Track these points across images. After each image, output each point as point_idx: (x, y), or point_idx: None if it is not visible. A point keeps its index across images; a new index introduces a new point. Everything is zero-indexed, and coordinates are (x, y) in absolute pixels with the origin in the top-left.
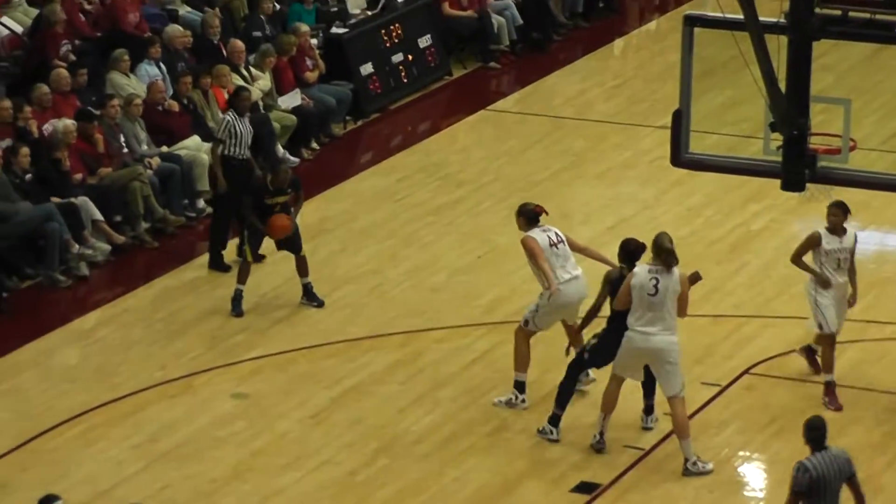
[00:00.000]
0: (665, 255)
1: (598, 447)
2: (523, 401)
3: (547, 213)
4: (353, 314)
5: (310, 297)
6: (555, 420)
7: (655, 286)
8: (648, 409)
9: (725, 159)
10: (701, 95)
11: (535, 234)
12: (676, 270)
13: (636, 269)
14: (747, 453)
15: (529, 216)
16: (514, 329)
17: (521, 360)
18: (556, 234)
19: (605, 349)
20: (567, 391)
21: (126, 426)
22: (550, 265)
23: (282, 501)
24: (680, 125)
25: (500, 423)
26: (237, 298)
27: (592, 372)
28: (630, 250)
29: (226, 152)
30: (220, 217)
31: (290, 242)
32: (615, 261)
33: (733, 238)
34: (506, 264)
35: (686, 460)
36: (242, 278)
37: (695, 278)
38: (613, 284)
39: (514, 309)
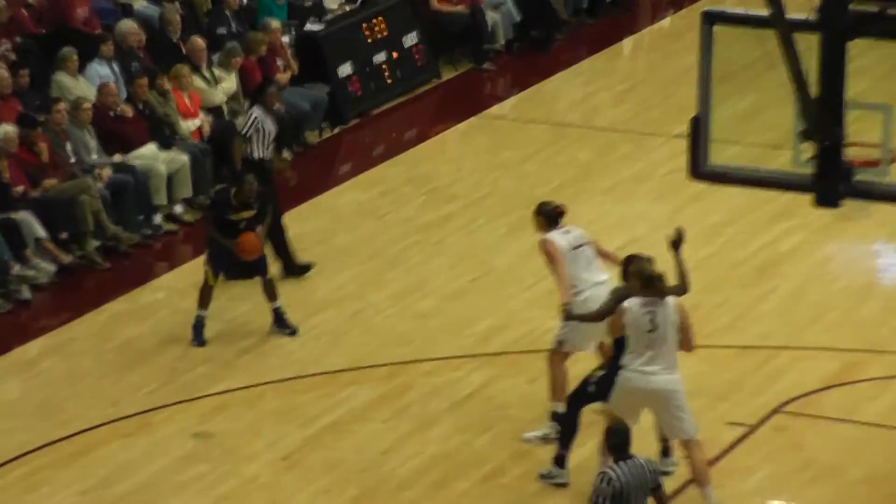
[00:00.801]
0: (655, 283)
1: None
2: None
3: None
4: (331, 343)
5: (281, 323)
6: (560, 461)
7: (652, 321)
8: (665, 451)
9: (750, 172)
10: (722, 101)
11: (555, 236)
12: (670, 299)
13: (627, 305)
14: (779, 502)
15: (549, 216)
16: (511, 361)
17: (558, 388)
18: (580, 235)
19: (612, 382)
20: (570, 428)
21: (74, 469)
22: (573, 270)
23: None
24: (698, 133)
25: (496, 467)
26: (199, 326)
27: None
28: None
29: (251, 153)
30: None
31: (256, 264)
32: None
33: (760, 260)
34: (503, 288)
35: None
36: (204, 303)
37: (678, 240)
38: (619, 302)
39: (512, 338)
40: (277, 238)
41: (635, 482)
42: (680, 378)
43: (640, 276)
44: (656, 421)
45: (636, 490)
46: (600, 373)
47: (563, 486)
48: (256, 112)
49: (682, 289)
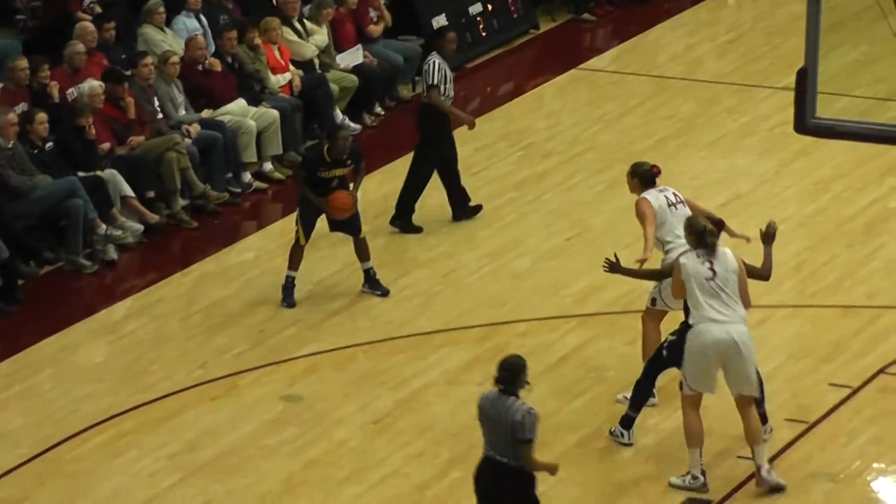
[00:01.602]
0: (707, 236)
1: (703, 490)
2: (653, 395)
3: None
4: (423, 304)
5: (372, 284)
6: (627, 422)
7: (711, 268)
8: (762, 418)
9: (858, 125)
10: (830, 51)
11: (651, 195)
12: (727, 250)
13: (682, 260)
14: (883, 466)
15: (646, 177)
16: (609, 322)
17: (651, 347)
18: (675, 194)
19: (680, 349)
20: (643, 392)
21: (161, 433)
22: (669, 227)
23: None
24: (805, 86)
25: (592, 431)
26: (288, 287)
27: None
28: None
29: (434, 98)
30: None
31: (348, 223)
32: (737, 230)
33: (868, 217)
34: (600, 247)
35: (760, 468)
36: (294, 264)
37: (770, 234)
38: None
39: (609, 298)
40: (453, 182)
41: (491, 415)
42: (748, 331)
43: (692, 231)
44: (732, 387)
45: (490, 423)
46: (672, 338)
47: (627, 445)
48: (437, 59)
49: (763, 275)
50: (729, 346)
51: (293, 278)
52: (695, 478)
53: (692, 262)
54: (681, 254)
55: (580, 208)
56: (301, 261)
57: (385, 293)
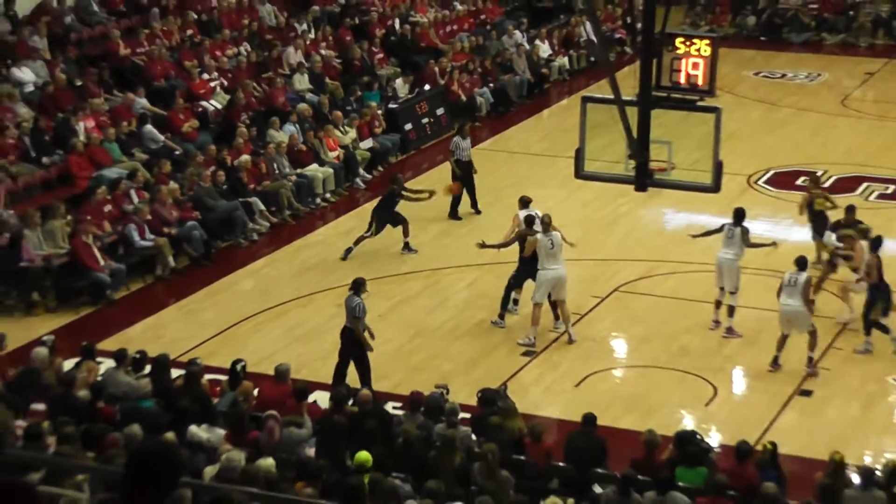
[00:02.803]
0: (548, 226)
1: (533, 344)
2: (515, 309)
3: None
4: (402, 260)
5: (408, 249)
6: (501, 316)
7: (551, 242)
8: (556, 317)
9: (605, 174)
10: (592, 139)
11: (521, 213)
12: (558, 231)
13: (538, 237)
14: (616, 334)
15: (524, 203)
16: (489, 268)
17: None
18: (536, 213)
19: (521, 277)
20: (505, 300)
21: (278, 322)
22: (523, 232)
23: None
24: (579, 156)
25: (483, 319)
26: (347, 251)
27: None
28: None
29: (456, 159)
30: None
31: (400, 219)
32: (564, 232)
33: (609, 218)
34: (485, 233)
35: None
36: (356, 242)
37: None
38: (522, 239)
39: (490, 256)
40: (458, 198)
41: (346, 304)
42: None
43: (542, 222)
44: (553, 295)
45: (345, 307)
46: (514, 273)
47: (503, 328)
48: (456, 139)
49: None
50: (557, 280)
51: (352, 248)
52: (530, 340)
53: (543, 240)
54: (519, 234)
55: (475, 216)
56: (360, 243)
57: (414, 251)
